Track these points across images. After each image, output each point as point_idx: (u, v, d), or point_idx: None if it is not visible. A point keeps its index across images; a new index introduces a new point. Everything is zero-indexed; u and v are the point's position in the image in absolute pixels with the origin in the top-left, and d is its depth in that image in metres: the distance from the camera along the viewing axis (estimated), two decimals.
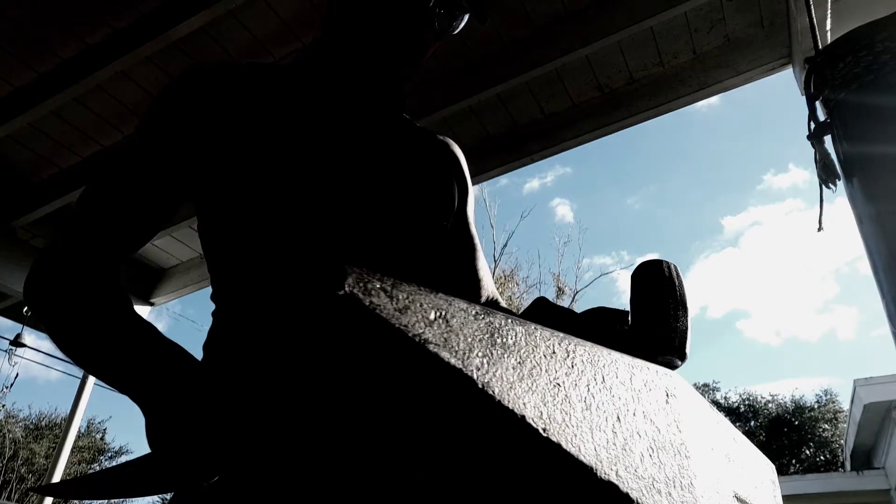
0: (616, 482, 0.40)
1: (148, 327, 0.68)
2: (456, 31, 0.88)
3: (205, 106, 0.76)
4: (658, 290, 0.70)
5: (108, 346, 0.66)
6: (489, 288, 0.98)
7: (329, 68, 0.85)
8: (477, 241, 0.98)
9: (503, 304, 1.01)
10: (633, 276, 0.72)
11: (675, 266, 0.72)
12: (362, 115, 0.84)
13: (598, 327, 0.75)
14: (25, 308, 3.98)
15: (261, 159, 0.74)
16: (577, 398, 0.41)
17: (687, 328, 0.69)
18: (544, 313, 0.78)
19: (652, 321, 0.68)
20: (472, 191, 1.00)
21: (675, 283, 0.70)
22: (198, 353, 0.72)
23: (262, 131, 0.75)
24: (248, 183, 0.74)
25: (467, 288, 0.95)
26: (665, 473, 0.47)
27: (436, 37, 0.84)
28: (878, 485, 10.11)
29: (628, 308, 0.73)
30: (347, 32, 0.82)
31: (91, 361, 0.67)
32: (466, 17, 0.87)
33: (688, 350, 0.68)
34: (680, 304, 0.69)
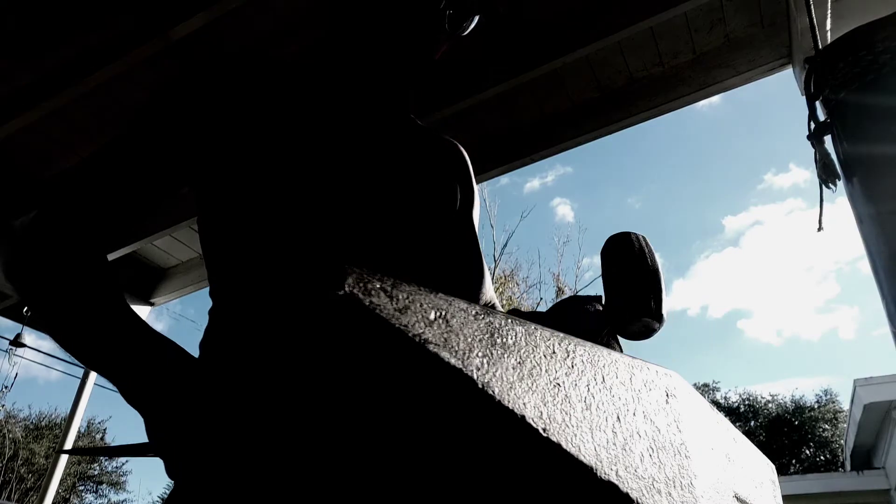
0: (616, 482, 0.40)
1: (139, 321, 0.68)
2: (465, 33, 0.87)
3: (211, 100, 0.75)
4: (628, 259, 0.70)
5: (99, 337, 0.66)
6: (488, 294, 0.98)
7: (336, 67, 0.85)
8: (479, 245, 0.98)
9: (500, 308, 1.01)
10: (603, 251, 0.72)
11: (643, 237, 0.72)
12: (368, 115, 0.84)
13: (574, 312, 0.75)
14: (25, 308, 3.98)
15: (264, 155, 0.74)
16: (577, 398, 0.41)
17: (661, 289, 0.68)
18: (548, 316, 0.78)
19: (626, 288, 0.68)
20: (478, 195, 1.00)
21: (644, 251, 0.70)
22: (194, 353, 0.72)
23: (266, 128, 0.75)
24: (250, 179, 0.74)
25: (466, 292, 0.95)
26: (665, 473, 0.47)
27: (445, 38, 0.84)
28: (878, 485, 10.12)
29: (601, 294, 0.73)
30: (356, 32, 0.82)
31: (80, 350, 0.67)
32: (476, 18, 0.87)
33: (664, 312, 0.68)
34: (651, 270, 0.69)
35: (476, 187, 0.99)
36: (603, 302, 0.73)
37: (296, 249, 0.72)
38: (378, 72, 0.83)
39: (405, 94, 0.88)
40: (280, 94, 0.79)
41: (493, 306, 0.99)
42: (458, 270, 0.95)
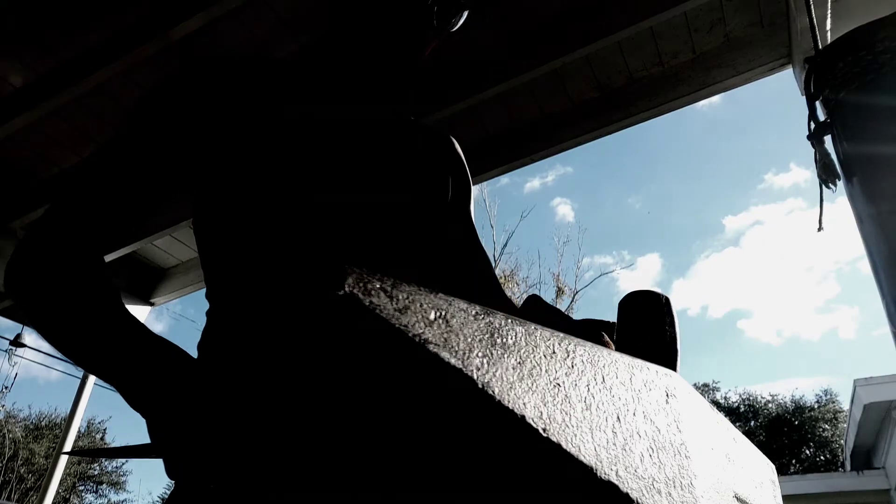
0: (616, 482, 0.40)
1: (138, 324, 0.68)
2: (454, 29, 0.87)
3: (211, 100, 0.75)
4: (651, 323, 0.69)
5: (99, 342, 0.66)
6: (495, 288, 0.98)
7: (331, 66, 0.85)
8: (479, 240, 0.98)
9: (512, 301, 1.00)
10: (624, 305, 0.71)
11: (667, 298, 0.71)
12: (364, 114, 0.84)
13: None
14: None
15: (261, 155, 0.74)
16: (577, 398, 0.41)
17: (676, 362, 0.68)
18: (538, 311, 0.78)
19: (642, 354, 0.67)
20: (473, 188, 1.00)
21: (670, 317, 0.70)
22: (193, 353, 0.72)
23: (265, 127, 0.75)
24: (247, 179, 0.74)
25: (466, 287, 0.95)
26: (665, 473, 0.47)
27: (434, 34, 0.84)
28: (878, 485, 10.12)
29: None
30: (349, 30, 0.83)
31: (81, 355, 0.67)
32: (465, 14, 0.87)
33: None
34: (668, 340, 0.69)
35: (471, 179, 0.99)
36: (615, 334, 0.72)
37: (295, 249, 0.72)
38: (371, 70, 0.83)
39: (403, 92, 0.88)
40: (278, 92, 0.79)
41: (503, 297, 0.98)
42: (458, 266, 0.95)
